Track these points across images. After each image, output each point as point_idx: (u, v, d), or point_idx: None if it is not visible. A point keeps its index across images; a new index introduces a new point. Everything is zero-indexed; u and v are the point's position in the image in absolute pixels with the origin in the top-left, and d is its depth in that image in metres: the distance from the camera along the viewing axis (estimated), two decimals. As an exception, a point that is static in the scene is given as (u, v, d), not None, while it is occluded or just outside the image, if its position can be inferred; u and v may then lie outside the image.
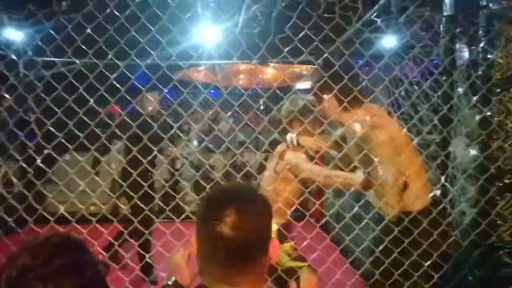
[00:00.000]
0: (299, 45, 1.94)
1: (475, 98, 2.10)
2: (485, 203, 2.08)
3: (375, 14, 2.95)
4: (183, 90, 2.19)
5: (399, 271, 1.94)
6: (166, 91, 2.59)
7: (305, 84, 7.78)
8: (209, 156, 6.41)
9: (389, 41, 3.72)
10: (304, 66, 7.00)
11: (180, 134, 2.20)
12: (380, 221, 2.09)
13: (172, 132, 2.28)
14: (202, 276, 1.03)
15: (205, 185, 1.98)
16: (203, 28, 4.17)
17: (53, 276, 0.86)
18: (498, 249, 2.05)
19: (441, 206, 2.05)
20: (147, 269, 3.59)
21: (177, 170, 6.47)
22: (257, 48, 2.11)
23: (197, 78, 6.88)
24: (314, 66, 6.31)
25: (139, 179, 2.06)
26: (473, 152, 2.13)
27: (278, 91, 2.18)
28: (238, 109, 2.27)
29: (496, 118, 2.06)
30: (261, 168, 6.89)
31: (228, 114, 7.54)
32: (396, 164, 1.95)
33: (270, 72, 7.17)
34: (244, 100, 2.28)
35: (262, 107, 8.30)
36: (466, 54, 2.43)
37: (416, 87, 3.03)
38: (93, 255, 0.97)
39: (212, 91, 7.95)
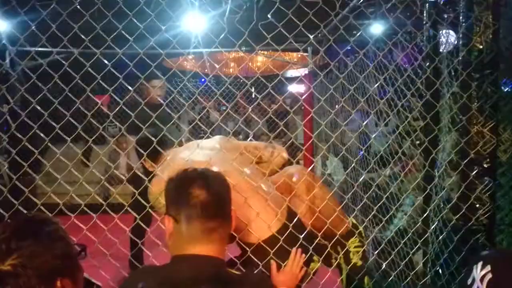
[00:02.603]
0: (283, 30, 1.95)
1: (455, 83, 2.13)
2: (464, 187, 2.12)
3: (360, 1, 2.96)
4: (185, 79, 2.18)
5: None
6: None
7: (295, 72, 7.79)
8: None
9: (376, 28, 3.74)
10: (294, 54, 7.00)
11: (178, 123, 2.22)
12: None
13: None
14: (176, 245, 1.23)
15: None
16: (191, 16, 4.16)
17: (15, 240, 1.04)
18: (476, 232, 2.10)
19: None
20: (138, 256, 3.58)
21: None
22: (245, 36, 2.11)
23: (186, 66, 6.85)
24: (305, 54, 6.32)
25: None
26: (454, 137, 2.17)
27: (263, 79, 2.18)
28: (221, 98, 2.28)
29: (475, 104, 2.09)
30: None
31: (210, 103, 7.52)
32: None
33: (260, 60, 7.17)
34: (235, 88, 2.28)
35: (253, 96, 8.30)
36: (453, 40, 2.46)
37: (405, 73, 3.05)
38: (57, 230, 1.14)
39: (202, 80, 7.93)
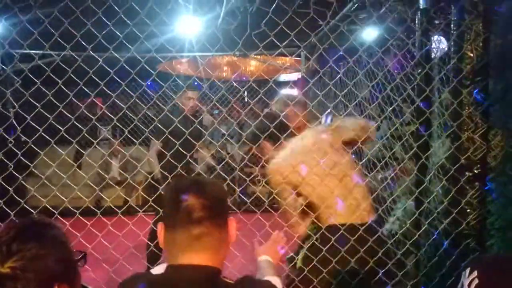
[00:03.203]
0: (274, 40, 1.97)
1: (446, 90, 2.16)
2: (455, 192, 2.15)
3: (352, 8, 2.99)
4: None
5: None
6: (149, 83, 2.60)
7: (288, 77, 7.81)
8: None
9: (367, 34, 3.78)
10: (287, 59, 7.03)
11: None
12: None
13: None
14: (169, 253, 1.20)
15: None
16: (185, 20, 4.17)
17: (17, 242, 1.03)
18: (467, 236, 2.13)
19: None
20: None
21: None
22: (239, 40, 2.13)
23: (180, 70, 6.85)
24: (298, 59, 6.36)
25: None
26: (445, 143, 2.20)
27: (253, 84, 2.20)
28: (216, 102, 2.31)
29: (466, 110, 2.13)
30: (248, 159, 6.92)
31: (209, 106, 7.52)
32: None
33: (254, 64, 7.19)
34: (228, 92, 2.31)
35: (245, 99, 8.31)
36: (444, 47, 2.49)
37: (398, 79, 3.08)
38: (60, 234, 1.12)
39: (195, 83, 7.93)
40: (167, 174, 2.22)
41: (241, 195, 3.45)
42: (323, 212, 2.22)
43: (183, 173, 2.34)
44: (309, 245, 2.26)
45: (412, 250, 2.35)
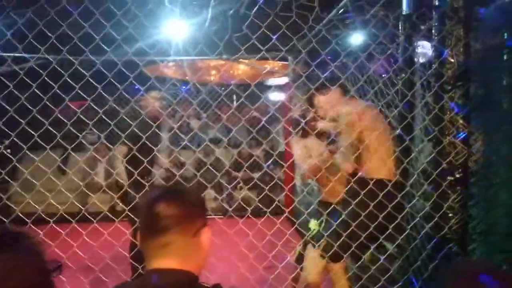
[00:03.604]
0: (257, 43, 1.97)
1: (427, 95, 2.17)
2: (437, 196, 2.16)
3: (338, 13, 3.00)
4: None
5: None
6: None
7: (277, 81, 7.83)
8: (180, 153, 6.37)
9: (354, 39, 3.80)
10: (276, 63, 7.03)
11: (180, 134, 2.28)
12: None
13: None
14: (146, 259, 1.22)
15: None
16: (171, 24, 4.15)
17: None
18: (449, 240, 2.14)
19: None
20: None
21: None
22: (228, 44, 2.12)
23: (167, 73, 6.81)
24: (286, 63, 6.36)
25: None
26: (427, 147, 2.21)
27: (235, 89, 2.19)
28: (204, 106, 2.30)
29: (447, 115, 2.14)
30: (235, 164, 6.92)
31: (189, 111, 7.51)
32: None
33: (242, 68, 7.18)
34: (216, 96, 2.30)
35: (234, 103, 8.30)
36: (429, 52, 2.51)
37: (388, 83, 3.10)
38: (35, 244, 1.09)
39: (183, 86, 7.91)
40: (141, 179, 2.19)
41: (225, 200, 3.43)
42: (374, 163, 2.45)
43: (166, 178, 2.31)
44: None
45: (395, 255, 2.35)
